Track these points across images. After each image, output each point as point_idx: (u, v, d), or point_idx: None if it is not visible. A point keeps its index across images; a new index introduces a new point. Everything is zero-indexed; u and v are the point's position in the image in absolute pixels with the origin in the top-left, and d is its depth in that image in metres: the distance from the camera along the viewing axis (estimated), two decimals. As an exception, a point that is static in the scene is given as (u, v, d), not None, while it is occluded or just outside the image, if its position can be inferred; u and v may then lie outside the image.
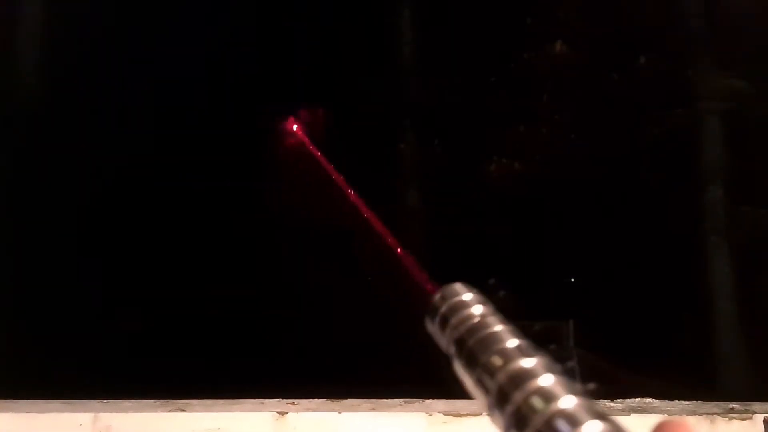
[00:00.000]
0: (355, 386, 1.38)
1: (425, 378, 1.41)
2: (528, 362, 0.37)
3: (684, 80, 1.68)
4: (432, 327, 0.47)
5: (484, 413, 0.38)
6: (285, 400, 1.35)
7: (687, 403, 1.33)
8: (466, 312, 0.44)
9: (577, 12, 1.71)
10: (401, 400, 1.36)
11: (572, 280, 1.56)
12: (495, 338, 0.41)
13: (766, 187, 1.61)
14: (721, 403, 1.32)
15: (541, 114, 1.68)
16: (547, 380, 0.36)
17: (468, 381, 0.41)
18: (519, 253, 1.58)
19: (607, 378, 1.42)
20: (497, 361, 0.39)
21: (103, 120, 1.69)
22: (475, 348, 0.41)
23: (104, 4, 1.76)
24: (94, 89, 1.70)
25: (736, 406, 1.30)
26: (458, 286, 0.47)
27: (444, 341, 0.45)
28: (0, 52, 1.74)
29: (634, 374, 1.43)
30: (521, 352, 0.39)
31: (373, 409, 1.30)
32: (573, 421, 0.33)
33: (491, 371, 0.38)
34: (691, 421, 1.24)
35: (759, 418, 1.25)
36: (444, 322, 0.45)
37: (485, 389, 0.38)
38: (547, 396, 0.35)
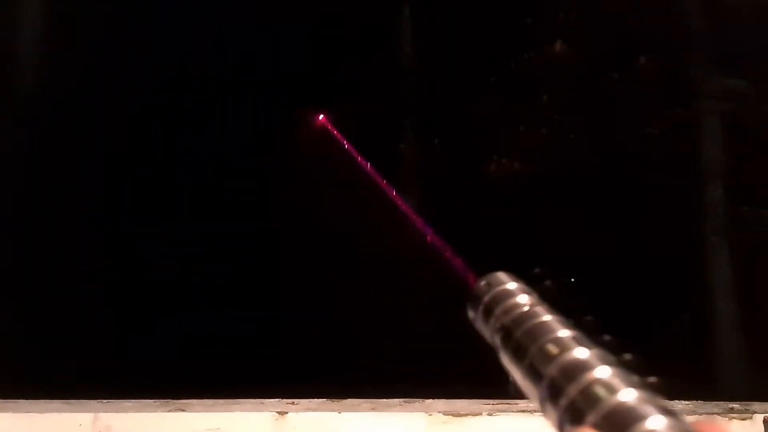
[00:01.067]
0: (355, 386, 1.38)
1: (425, 378, 1.41)
2: (583, 353, 0.35)
3: (684, 80, 1.68)
4: (475, 316, 0.46)
5: (535, 408, 0.36)
6: (285, 400, 1.36)
7: (687, 403, 1.33)
8: (512, 301, 0.43)
9: (577, 12, 1.71)
10: (401, 400, 1.36)
11: (572, 280, 1.55)
12: (546, 328, 0.39)
13: (766, 187, 1.61)
14: (721, 403, 1.32)
15: (541, 114, 1.68)
16: (604, 372, 0.33)
17: (516, 372, 0.39)
18: (519, 252, 1.58)
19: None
20: (552, 350, 0.36)
21: (106, 120, 1.69)
22: (524, 338, 0.39)
23: (105, 4, 1.76)
24: (96, 89, 1.70)
25: (736, 406, 1.30)
26: (502, 275, 0.46)
27: (489, 330, 0.44)
28: (0, 52, 1.74)
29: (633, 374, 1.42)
30: (576, 342, 0.37)
31: (373, 409, 1.30)
32: (635, 415, 0.30)
33: (544, 361, 0.36)
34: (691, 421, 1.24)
35: (759, 418, 1.25)
36: (488, 311, 0.44)
37: (537, 380, 0.36)
38: (606, 388, 0.32)
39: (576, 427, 0.32)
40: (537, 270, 0.50)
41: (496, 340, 0.43)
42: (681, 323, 1.58)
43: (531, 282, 0.45)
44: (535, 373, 0.37)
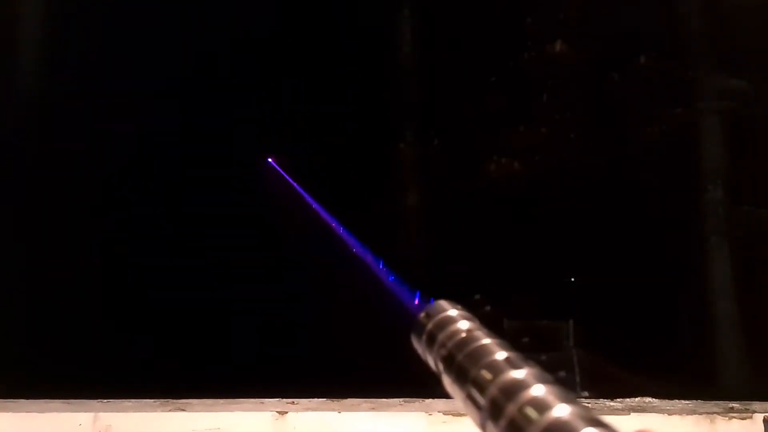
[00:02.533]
0: (355, 386, 1.38)
1: (425, 378, 1.41)
2: (518, 373, 0.37)
3: (684, 80, 1.68)
4: (419, 345, 0.47)
5: (477, 429, 0.38)
6: (285, 399, 1.36)
7: (687, 402, 1.34)
8: (452, 327, 0.44)
9: (577, 12, 1.71)
10: (401, 400, 1.36)
11: (572, 279, 1.55)
12: (483, 352, 0.40)
13: (766, 187, 1.61)
14: (721, 403, 1.32)
15: (541, 114, 1.68)
16: (539, 390, 0.35)
17: (459, 397, 0.40)
18: (519, 252, 1.58)
19: (607, 378, 1.42)
20: (487, 374, 0.38)
21: (103, 121, 1.69)
22: (463, 363, 0.41)
23: (104, 5, 1.76)
24: (94, 89, 1.70)
25: (736, 405, 1.31)
26: (443, 303, 0.47)
27: (432, 359, 0.45)
28: (0, 52, 1.74)
29: (634, 374, 1.43)
30: (510, 364, 0.38)
31: (373, 409, 1.30)
32: (570, 429, 0.32)
33: (482, 385, 0.38)
34: (691, 420, 1.25)
35: (759, 418, 1.25)
36: (431, 340, 0.45)
37: (477, 404, 0.38)
38: (541, 406, 0.34)
39: None
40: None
41: (439, 366, 0.44)
42: (681, 323, 1.58)
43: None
44: (475, 396, 0.38)
